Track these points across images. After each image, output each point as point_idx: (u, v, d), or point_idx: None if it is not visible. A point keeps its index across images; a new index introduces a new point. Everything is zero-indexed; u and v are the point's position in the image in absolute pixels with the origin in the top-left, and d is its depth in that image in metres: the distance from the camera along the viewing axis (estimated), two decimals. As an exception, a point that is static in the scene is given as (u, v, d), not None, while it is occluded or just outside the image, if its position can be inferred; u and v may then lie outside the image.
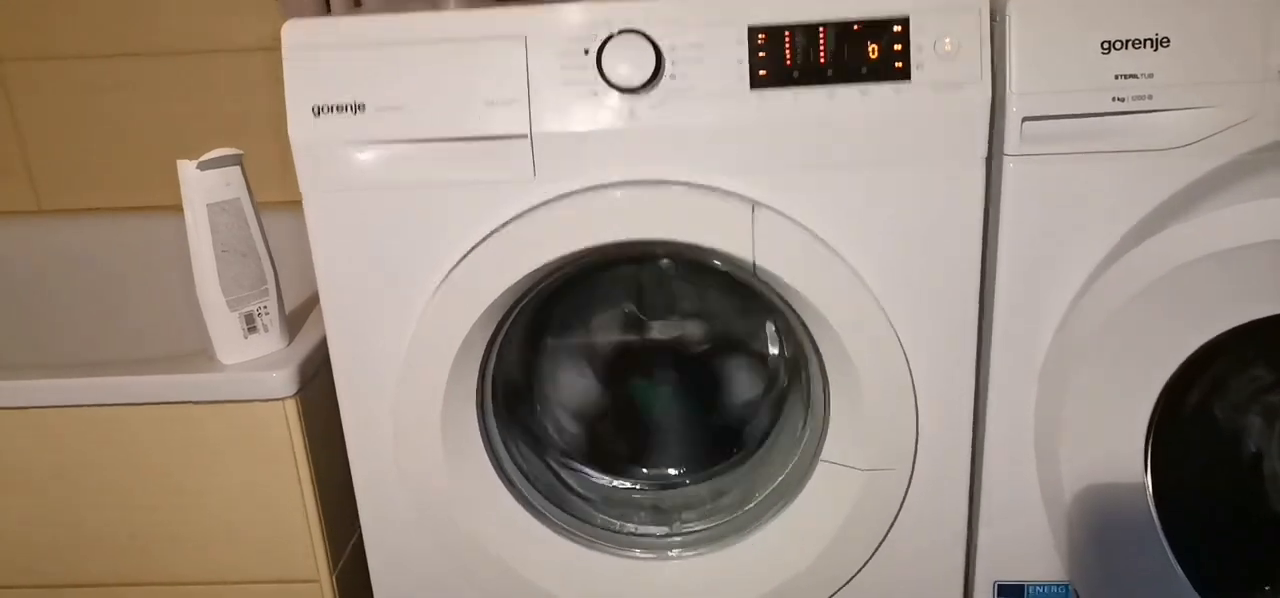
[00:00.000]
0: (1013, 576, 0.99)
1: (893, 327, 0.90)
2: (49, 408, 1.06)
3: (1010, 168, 0.84)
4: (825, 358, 0.94)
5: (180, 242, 1.44)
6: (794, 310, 0.93)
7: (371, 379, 0.96)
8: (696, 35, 0.84)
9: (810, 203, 0.87)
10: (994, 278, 0.89)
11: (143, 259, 1.55)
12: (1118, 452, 0.89)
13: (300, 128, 0.87)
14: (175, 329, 1.53)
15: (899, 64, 0.83)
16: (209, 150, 1.00)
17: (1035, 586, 0.98)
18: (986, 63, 0.83)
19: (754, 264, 0.88)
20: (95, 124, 1.59)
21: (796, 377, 1.11)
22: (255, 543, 1.12)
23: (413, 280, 0.91)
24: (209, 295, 1.02)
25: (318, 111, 0.87)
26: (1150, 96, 0.81)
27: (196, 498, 1.10)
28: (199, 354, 1.06)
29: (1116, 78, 0.81)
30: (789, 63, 0.84)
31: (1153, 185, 0.83)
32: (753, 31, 0.84)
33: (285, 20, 1.20)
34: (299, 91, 0.87)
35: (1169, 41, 0.80)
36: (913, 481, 0.96)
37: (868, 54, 0.83)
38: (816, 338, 0.93)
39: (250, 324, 1.04)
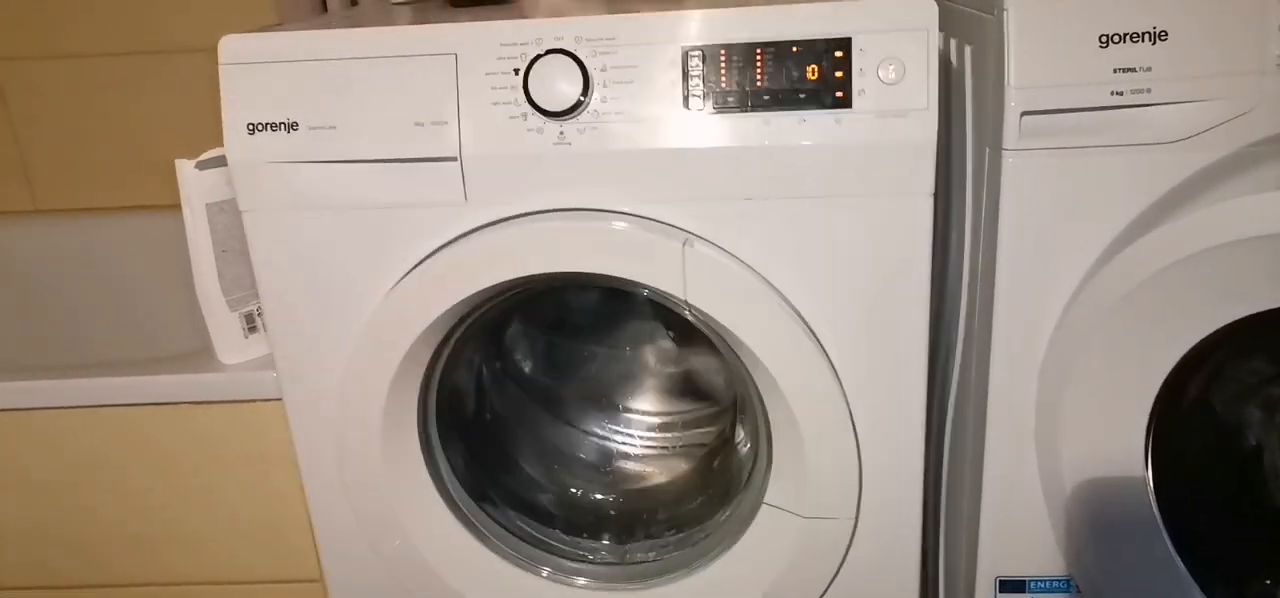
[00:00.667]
0: (1014, 571, 0.99)
1: (835, 371, 0.87)
2: (50, 409, 1.06)
3: (1009, 162, 0.84)
4: (764, 398, 0.91)
5: (178, 241, 1.44)
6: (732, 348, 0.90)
7: (315, 396, 0.95)
8: (627, 56, 0.81)
9: (747, 235, 0.84)
10: (993, 273, 0.88)
11: (140, 258, 1.55)
12: (1118, 446, 0.89)
13: (236, 145, 0.85)
14: (174, 329, 1.53)
15: (840, 92, 0.80)
16: (207, 149, 1.00)
17: (1037, 581, 0.98)
18: (934, 91, 0.79)
19: (686, 301, 0.85)
20: (91, 123, 1.58)
21: (745, 411, 1.08)
22: (256, 542, 1.12)
23: (350, 302, 0.90)
24: (209, 295, 1.02)
25: (252, 129, 0.85)
26: (1149, 90, 0.80)
27: (197, 498, 1.10)
28: (199, 354, 1.06)
29: (1115, 71, 0.80)
30: (724, 86, 0.81)
31: (1152, 179, 0.83)
32: (686, 52, 0.81)
33: (281, 17, 1.20)
34: (234, 108, 0.85)
35: (1167, 35, 0.79)
36: (857, 532, 0.93)
37: (807, 77, 0.80)
38: (755, 378, 0.90)
39: (250, 324, 1.04)
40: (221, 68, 0.84)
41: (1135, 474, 0.90)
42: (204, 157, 0.99)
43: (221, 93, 0.85)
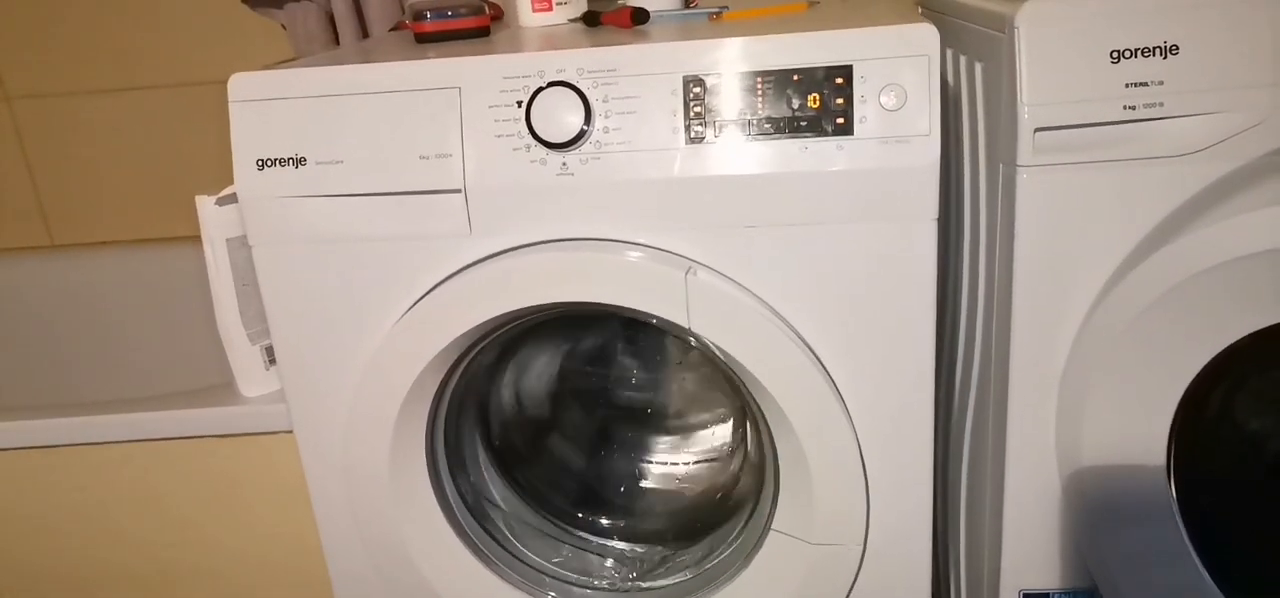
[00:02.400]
0: (1038, 584, 0.99)
1: (840, 397, 0.87)
2: (73, 447, 1.07)
3: (1023, 178, 0.85)
4: (771, 426, 0.91)
5: (193, 273, 1.45)
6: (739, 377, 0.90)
7: (325, 427, 0.95)
8: (628, 86, 0.81)
9: (750, 262, 0.84)
10: (1010, 288, 0.89)
11: (159, 292, 1.56)
12: (1141, 458, 0.89)
13: (245, 181, 0.87)
14: (190, 361, 1.54)
15: (842, 119, 0.80)
16: (222, 180, 1.01)
17: (1061, 593, 0.98)
18: (936, 116, 0.80)
19: (690, 329, 0.85)
20: (106, 158, 1.60)
21: (754, 437, 1.08)
22: (275, 571, 1.12)
23: (357, 333, 0.91)
24: (230, 329, 1.03)
25: (261, 165, 0.86)
26: (1161, 103, 0.81)
27: (220, 529, 1.11)
28: (221, 388, 1.07)
29: (1127, 86, 0.81)
30: (725, 115, 0.81)
31: (1167, 192, 0.83)
32: (688, 81, 0.81)
33: (296, 51, 1.21)
34: (244, 145, 0.86)
35: (1178, 49, 0.80)
36: (865, 558, 0.93)
37: (808, 105, 0.80)
38: (761, 404, 0.90)
39: (271, 356, 1.05)
40: (231, 105, 0.86)
41: (1158, 485, 0.90)
42: (224, 193, 1.00)
43: (231, 130, 0.86)
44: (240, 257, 1.01)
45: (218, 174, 1.52)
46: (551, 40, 0.91)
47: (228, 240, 1.01)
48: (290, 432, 1.04)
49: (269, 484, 1.07)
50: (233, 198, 1.00)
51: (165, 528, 1.11)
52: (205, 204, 0.99)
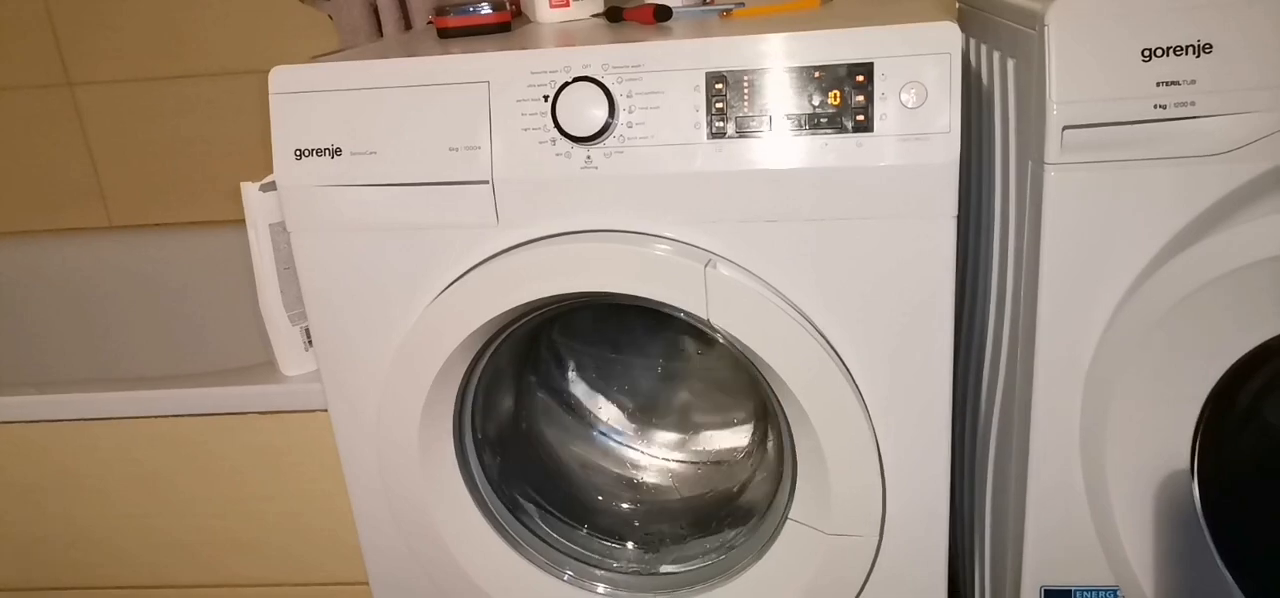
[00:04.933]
0: (1060, 580, 0.98)
1: (858, 390, 0.87)
2: (125, 419, 1.12)
3: (1052, 177, 0.84)
4: (789, 417, 0.91)
5: (242, 255, 1.50)
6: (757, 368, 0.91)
7: (358, 407, 0.98)
8: (652, 82, 0.83)
9: (769, 256, 0.85)
10: (1036, 286, 0.88)
11: (206, 273, 1.61)
12: (1164, 457, 0.89)
13: (284, 170, 0.89)
14: (237, 339, 1.59)
15: (862, 116, 0.80)
16: (268, 167, 1.04)
17: (1083, 590, 0.98)
18: (956, 115, 0.80)
19: (709, 321, 0.86)
20: (162, 142, 1.65)
21: (772, 426, 1.08)
22: (312, 545, 1.16)
23: (389, 318, 0.93)
24: (271, 311, 1.06)
25: (300, 155, 0.88)
26: (1193, 103, 0.80)
27: (259, 501, 1.14)
28: (263, 366, 1.11)
29: (1158, 85, 0.80)
30: (748, 111, 0.82)
31: (1197, 192, 0.82)
32: (710, 78, 0.82)
33: (341, 43, 1.24)
34: (283, 135, 0.89)
35: (1211, 48, 0.79)
36: (881, 549, 0.94)
37: (829, 102, 0.81)
38: (779, 396, 0.91)
39: (310, 337, 1.08)
40: (272, 97, 0.89)
41: (1182, 485, 0.89)
42: (267, 179, 1.03)
43: (272, 121, 0.89)
44: (282, 241, 1.05)
45: (266, 160, 1.56)
46: (574, 36, 0.93)
47: (270, 225, 1.04)
48: (324, 410, 1.07)
49: (306, 460, 1.11)
50: (275, 185, 1.03)
51: (210, 498, 1.15)
52: (250, 190, 1.03)
